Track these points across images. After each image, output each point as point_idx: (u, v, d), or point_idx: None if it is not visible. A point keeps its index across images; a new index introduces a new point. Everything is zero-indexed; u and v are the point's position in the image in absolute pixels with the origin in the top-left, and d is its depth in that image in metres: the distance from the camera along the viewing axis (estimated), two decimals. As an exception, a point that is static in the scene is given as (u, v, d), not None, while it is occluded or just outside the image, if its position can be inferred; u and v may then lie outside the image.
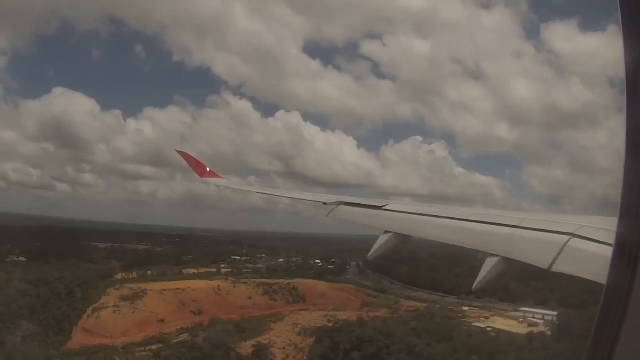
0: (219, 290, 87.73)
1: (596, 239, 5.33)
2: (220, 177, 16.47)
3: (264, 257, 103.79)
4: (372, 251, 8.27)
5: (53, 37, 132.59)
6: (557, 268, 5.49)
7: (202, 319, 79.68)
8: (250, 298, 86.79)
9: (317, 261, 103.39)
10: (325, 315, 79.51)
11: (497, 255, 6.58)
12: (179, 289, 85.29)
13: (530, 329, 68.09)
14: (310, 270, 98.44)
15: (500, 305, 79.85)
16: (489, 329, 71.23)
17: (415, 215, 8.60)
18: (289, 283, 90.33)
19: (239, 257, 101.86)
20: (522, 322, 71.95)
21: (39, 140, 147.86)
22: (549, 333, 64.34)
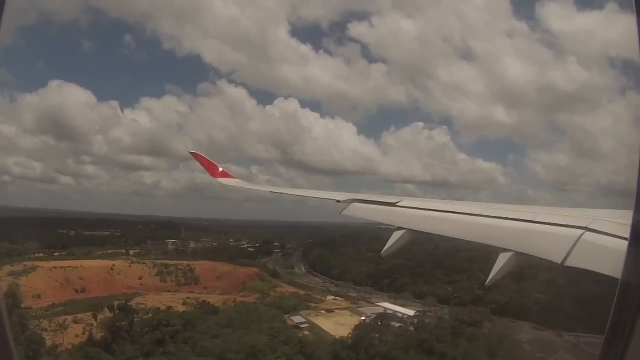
0: (112, 269, 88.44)
1: (610, 232, 5.32)
2: (233, 177, 16.66)
3: (200, 242, 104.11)
4: (386, 247, 8.32)
5: (37, 29, 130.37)
6: (570, 262, 5.49)
7: (81, 297, 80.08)
8: (140, 278, 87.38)
9: (247, 245, 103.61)
10: (188, 298, 79.58)
11: (511, 250, 6.60)
12: (70, 267, 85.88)
13: (353, 331, 61.37)
14: (226, 252, 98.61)
15: (376, 296, 78.54)
16: (304, 325, 67.38)
17: (428, 212, 8.64)
18: (188, 265, 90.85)
19: (173, 240, 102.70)
20: (364, 320, 65.47)
21: (38, 133, 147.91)
22: (363, 336, 59.10)
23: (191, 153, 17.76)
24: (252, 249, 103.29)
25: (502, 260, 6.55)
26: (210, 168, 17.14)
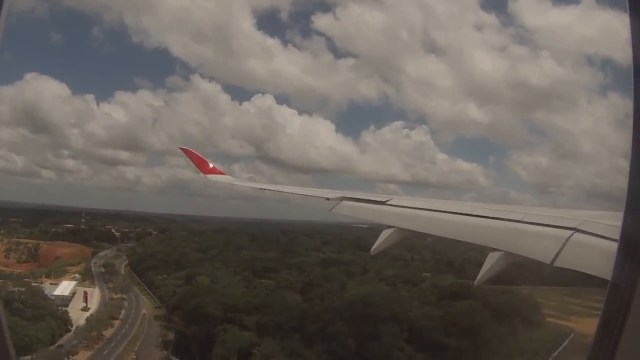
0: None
1: (599, 234, 5.34)
2: (223, 174, 16.55)
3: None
4: (375, 246, 8.31)
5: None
6: (559, 262, 5.51)
7: None
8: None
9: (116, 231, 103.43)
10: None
11: (500, 250, 6.62)
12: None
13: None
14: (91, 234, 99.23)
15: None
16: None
17: (418, 210, 8.63)
18: (38, 243, 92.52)
19: (69, 225, 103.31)
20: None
21: (14, 125, 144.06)
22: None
23: (181, 148, 17.58)
24: (118, 234, 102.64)
25: (491, 260, 6.56)
26: (200, 164, 16.99)
